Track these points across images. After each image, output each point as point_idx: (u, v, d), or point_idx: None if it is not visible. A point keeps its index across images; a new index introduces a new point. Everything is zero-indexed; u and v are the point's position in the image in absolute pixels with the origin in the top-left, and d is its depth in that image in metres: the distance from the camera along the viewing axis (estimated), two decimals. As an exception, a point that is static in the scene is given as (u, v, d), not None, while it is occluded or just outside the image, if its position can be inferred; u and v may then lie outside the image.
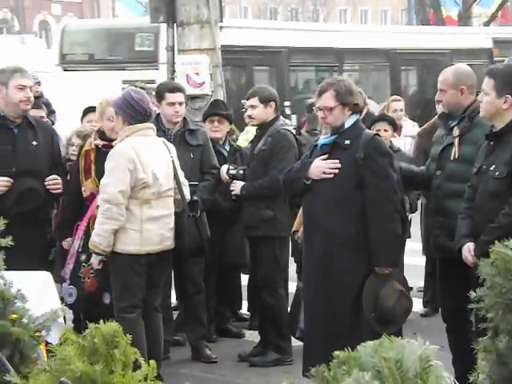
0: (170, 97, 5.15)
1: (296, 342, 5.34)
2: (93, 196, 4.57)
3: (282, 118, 5.37)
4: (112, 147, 4.47)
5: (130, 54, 10.74)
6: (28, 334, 2.31)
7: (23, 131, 4.67)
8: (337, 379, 1.28)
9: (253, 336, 5.68)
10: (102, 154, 4.56)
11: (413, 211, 6.21)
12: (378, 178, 3.82)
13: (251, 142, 5.50)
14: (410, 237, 6.42)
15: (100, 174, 4.46)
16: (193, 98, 6.68)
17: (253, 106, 5.21)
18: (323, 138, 4.02)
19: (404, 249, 6.22)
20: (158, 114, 5.34)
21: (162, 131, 5.17)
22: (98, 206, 4.41)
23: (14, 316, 2.35)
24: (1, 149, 4.59)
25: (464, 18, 31.77)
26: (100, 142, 4.67)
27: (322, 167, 3.86)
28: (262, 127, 5.21)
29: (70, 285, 4.56)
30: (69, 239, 4.74)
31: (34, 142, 4.69)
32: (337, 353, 1.36)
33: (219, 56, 7.16)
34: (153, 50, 10.60)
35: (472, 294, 2.37)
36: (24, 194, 4.58)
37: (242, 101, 8.77)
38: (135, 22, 12.05)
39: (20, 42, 13.76)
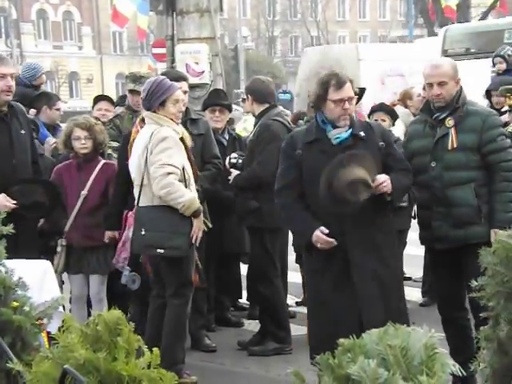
0: None
1: (296, 332, 5.37)
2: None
3: (278, 108, 5.33)
4: None
5: (498, 46, 13.55)
6: (29, 321, 2.31)
7: (12, 120, 4.59)
8: (342, 367, 1.28)
9: (252, 325, 5.69)
10: None
11: (411, 202, 6.22)
12: (399, 162, 3.98)
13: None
14: (409, 227, 6.44)
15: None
16: (192, 87, 6.66)
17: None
18: (337, 134, 3.88)
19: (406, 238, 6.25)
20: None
21: (163, 120, 5.19)
22: None
23: (16, 304, 2.35)
24: (0, 141, 4.50)
25: (463, 8, 31.66)
26: None
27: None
28: (257, 117, 5.24)
29: (131, 272, 4.62)
30: (112, 232, 4.78)
31: (22, 131, 4.64)
32: (341, 340, 1.36)
33: (218, 45, 7.16)
34: None
35: (473, 283, 2.37)
36: (27, 186, 4.60)
37: (240, 90, 8.93)
38: (505, 21, 15.79)
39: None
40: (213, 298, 5.62)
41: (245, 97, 8.02)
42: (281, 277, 5.31)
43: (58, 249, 4.83)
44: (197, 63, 6.94)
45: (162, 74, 5.68)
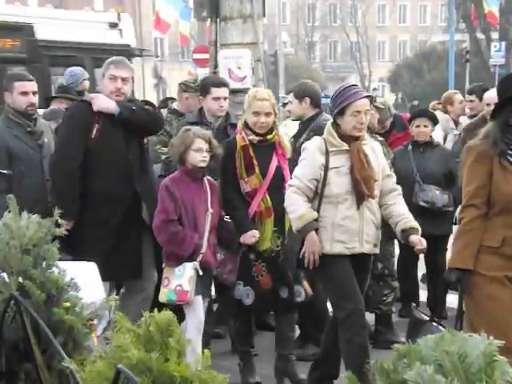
0: (216, 91, 5.18)
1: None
2: (255, 192, 4.48)
3: (324, 114, 5.37)
4: (267, 141, 4.48)
5: None
6: (81, 322, 2.36)
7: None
8: (397, 372, 1.28)
9: (292, 330, 5.68)
10: (258, 148, 4.52)
11: (457, 205, 6.16)
12: None
13: (294, 136, 5.51)
14: (452, 232, 6.36)
15: (262, 168, 4.46)
16: (234, 91, 6.72)
17: (290, 102, 5.44)
18: None
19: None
20: (201, 107, 5.39)
21: (204, 125, 5.24)
22: (263, 202, 4.41)
23: (68, 304, 2.40)
24: (120, 135, 4.61)
25: (506, 14, 31.18)
26: (256, 138, 4.54)
27: None
28: (304, 122, 5.24)
29: (245, 286, 4.48)
30: (253, 232, 4.44)
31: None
32: (397, 346, 1.36)
33: (261, 50, 7.21)
34: None
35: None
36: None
37: (280, 95, 9.00)
38: None
39: None
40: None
41: (287, 101, 8.07)
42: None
43: (191, 272, 4.33)
44: (239, 68, 6.99)
45: (204, 79, 5.75)
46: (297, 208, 4.02)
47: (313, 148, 4.08)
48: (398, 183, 4.32)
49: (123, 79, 4.63)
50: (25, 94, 4.82)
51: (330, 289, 4.15)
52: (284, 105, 8.19)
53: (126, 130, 4.60)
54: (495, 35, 31.95)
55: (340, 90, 4.08)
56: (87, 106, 4.61)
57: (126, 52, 10.50)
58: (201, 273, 4.33)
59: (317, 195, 4.07)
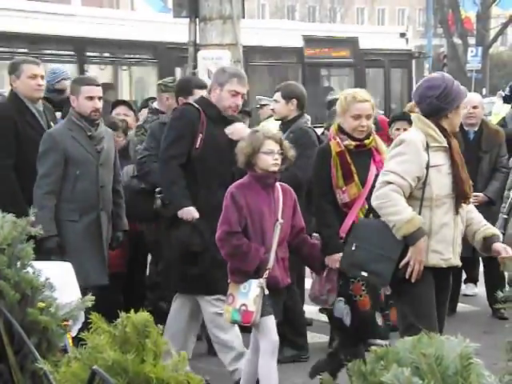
0: (199, 93, 5.14)
1: (312, 339, 5.35)
2: (353, 202, 4.12)
3: (306, 115, 5.38)
4: (364, 146, 4.15)
5: None
6: (55, 322, 2.33)
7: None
8: (374, 374, 1.28)
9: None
10: (355, 154, 4.17)
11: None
12: None
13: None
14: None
15: (360, 176, 4.13)
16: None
17: (275, 101, 5.38)
18: None
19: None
20: (175, 108, 5.34)
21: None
22: (362, 212, 4.05)
23: (42, 304, 2.37)
24: (223, 143, 4.49)
25: (482, 19, 31.62)
26: (353, 143, 4.17)
27: None
28: (286, 123, 5.24)
29: (345, 304, 4.08)
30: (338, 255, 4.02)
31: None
32: (374, 348, 1.36)
33: (240, 51, 7.20)
34: None
35: (498, 294, 2.35)
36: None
37: (257, 97, 9.05)
38: None
39: None
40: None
41: (264, 103, 8.05)
42: (298, 284, 5.31)
43: (256, 291, 3.93)
44: (218, 69, 6.97)
45: (187, 82, 5.67)
46: (402, 210, 3.52)
47: (416, 141, 3.61)
48: None
49: (242, 96, 4.58)
50: (91, 98, 4.66)
51: (408, 303, 3.67)
52: (261, 106, 8.19)
53: (233, 141, 4.36)
54: (472, 40, 32.35)
55: (451, 84, 3.68)
56: (196, 111, 4.50)
57: (409, 55, 15.11)
58: (266, 292, 3.93)
59: (412, 198, 3.59)
